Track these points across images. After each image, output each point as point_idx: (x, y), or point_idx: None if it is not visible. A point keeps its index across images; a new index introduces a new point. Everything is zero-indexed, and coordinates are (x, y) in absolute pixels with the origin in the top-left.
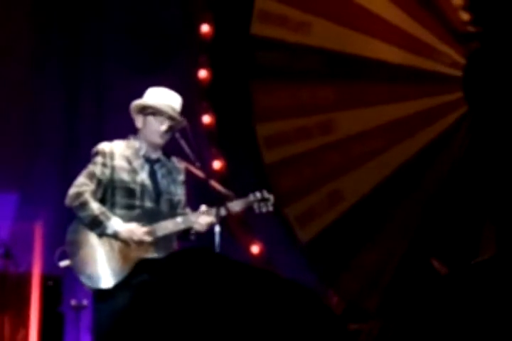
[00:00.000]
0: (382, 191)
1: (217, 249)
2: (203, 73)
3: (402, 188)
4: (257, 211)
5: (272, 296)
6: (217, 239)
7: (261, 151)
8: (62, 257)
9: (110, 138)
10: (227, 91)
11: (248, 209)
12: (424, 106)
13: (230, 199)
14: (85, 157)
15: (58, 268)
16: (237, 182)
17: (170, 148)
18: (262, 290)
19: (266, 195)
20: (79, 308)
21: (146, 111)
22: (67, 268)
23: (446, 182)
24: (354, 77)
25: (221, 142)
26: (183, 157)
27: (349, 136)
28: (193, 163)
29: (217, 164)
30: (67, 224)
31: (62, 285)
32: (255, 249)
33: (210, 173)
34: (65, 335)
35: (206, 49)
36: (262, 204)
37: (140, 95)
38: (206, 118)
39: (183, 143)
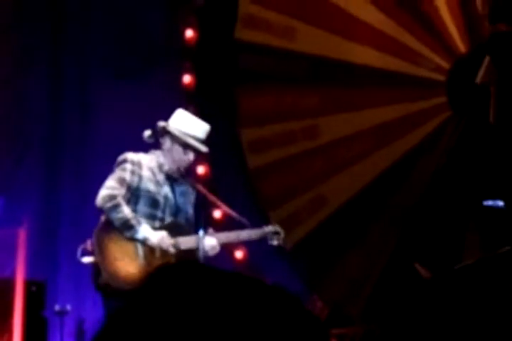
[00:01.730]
0: (365, 196)
1: (201, 254)
2: (187, 78)
3: (385, 193)
4: (269, 242)
5: (255, 304)
6: (201, 244)
7: (245, 156)
8: (84, 253)
9: (95, 142)
10: (212, 97)
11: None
12: (407, 111)
13: (245, 226)
14: (70, 161)
15: (41, 273)
16: (222, 187)
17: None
18: (243, 298)
19: (277, 229)
20: (62, 313)
21: (175, 138)
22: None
23: (430, 186)
24: (339, 81)
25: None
26: None
27: (334, 140)
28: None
29: (201, 169)
30: (52, 229)
31: (45, 290)
32: (239, 254)
33: (195, 178)
34: (48, 340)
35: (190, 54)
36: (274, 236)
37: (124, 99)
38: None
39: None
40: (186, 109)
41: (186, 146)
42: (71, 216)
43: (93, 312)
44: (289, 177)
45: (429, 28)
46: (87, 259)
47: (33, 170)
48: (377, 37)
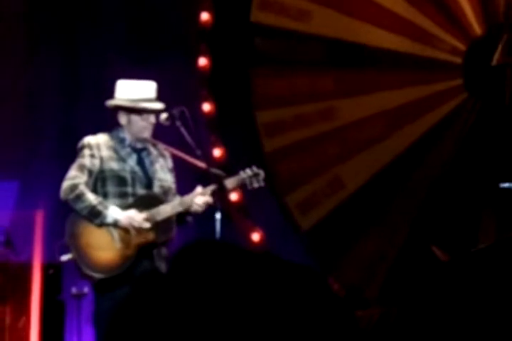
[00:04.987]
0: (382, 178)
1: (218, 237)
2: (202, 61)
3: (402, 175)
4: (249, 187)
5: (281, 282)
6: (217, 226)
7: (261, 139)
8: (63, 251)
9: (110, 126)
10: (227, 79)
11: (242, 187)
12: (424, 93)
13: (223, 178)
14: None
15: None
16: (237, 170)
17: (170, 136)
18: (271, 277)
19: (256, 170)
20: (79, 296)
21: (127, 108)
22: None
23: (446, 169)
24: (354, 64)
25: (221, 130)
26: (184, 144)
27: (349, 123)
28: (193, 151)
29: (217, 152)
30: (68, 212)
31: (62, 273)
32: (256, 236)
33: (211, 161)
34: (65, 323)
35: (206, 37)
36: (253, 179)
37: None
38: (206, 106)
39: (183, 131)
40: (202, 91)
41: (141, 111)
42: None
43: None
44: (305, 160)
45: (445, 10)
46: (65, 257)
47: (49, 153)
48: (393, 19)
